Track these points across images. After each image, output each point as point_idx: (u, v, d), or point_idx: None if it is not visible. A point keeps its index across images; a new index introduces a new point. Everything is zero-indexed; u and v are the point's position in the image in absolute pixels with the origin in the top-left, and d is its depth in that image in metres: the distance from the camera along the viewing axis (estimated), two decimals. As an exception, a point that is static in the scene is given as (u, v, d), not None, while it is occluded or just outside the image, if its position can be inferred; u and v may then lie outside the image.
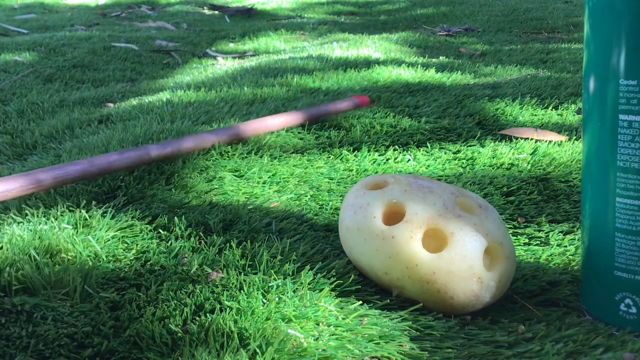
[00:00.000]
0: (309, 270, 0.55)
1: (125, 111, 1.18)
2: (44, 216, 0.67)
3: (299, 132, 1.00)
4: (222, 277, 0.54)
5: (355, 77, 1.37)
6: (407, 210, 0.51)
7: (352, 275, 0.54)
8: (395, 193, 0.53)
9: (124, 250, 0.61)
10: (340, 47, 1.89)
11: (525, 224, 0.70)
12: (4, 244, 0.60)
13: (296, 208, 0.72)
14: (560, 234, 0.66)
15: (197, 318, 0.48)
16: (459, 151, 0.91)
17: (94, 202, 0.71)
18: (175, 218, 0.66)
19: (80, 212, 0.67)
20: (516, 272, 0.58)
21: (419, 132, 0.98)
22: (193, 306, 0.50)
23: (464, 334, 0.49)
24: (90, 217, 0.66)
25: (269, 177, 0.82)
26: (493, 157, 0.87)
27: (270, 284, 0.52)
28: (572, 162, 0.84)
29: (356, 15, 3.24)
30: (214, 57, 2.10)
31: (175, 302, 0.51)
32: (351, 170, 0.85)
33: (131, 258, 0.60)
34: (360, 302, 0.51)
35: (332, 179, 0.82)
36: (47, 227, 0.64)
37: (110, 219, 0.66)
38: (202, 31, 2.68)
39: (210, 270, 0.56)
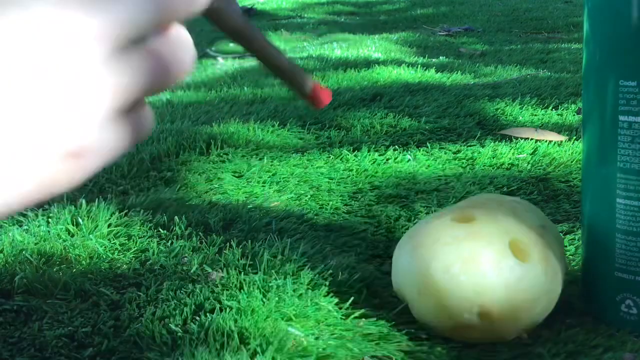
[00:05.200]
0: (309, 270, 0.55)
1: (125, 111, 1.18)
2: (43, 217, 0.67)
3: (299, 132, 1.00)
4: (222, 277, 0.54)
5: (355, 77, 1.37)
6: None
7: (352, 275, 0.54)
8: None
9: (123, 249, 0.61)
10: (340, 47, 1.89)
11: (525, 224, 0.70)
12: (4, 246, 0.60)
13: (296, 208, 0.72)
14: (560, 234, 0.66)
15: (197, 318, 0.48)
16: (459, 151, 0.91)
17: (93, 202, 0.71)
18: (175, 217, 0.66)
19: (79, 211, 0.67)
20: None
21: (419, 132, 0.98)
22: (193, 306, 0.50)
23: (464, 334, 0.49)
24: (89, 216, 0.66)
25: (269, 177, 0.82)
26: (493, 157, 0.87)
27: (270, 284, 0.52)
28: (572, 162, 0.84)
29: (356, 15, 3.24)
30: (214, 57, 2.10)
31: (175, 301, 0.51)
32: (351, 170, 0.85)
33: (131, 257, 0.60)
34: (360, 301, 0.51)
35: (332, 179, 0.82)
36: (47, 228, 0.64)
37: (110, 218, 0.66)
38: (202, 31, 2.68)
39: (210, 270, 0.56)
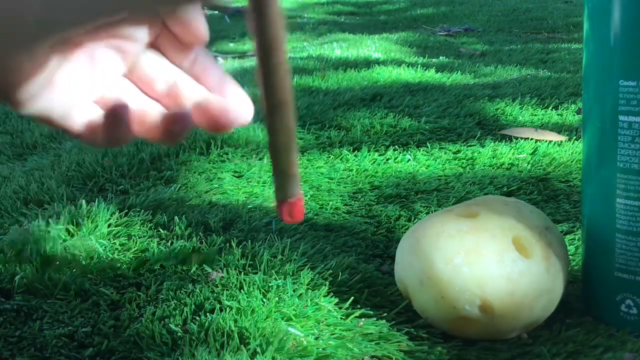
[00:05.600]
0: (309, 270, 0.55)
1: (125, 111, 1.18)
2: (43, 217, 0.67)
3: (299, 132, 1.00)
4: (222, 277, 0.54)
5: (355, 77, 1.37)
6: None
7: (352, 275, 0.54)
8: None
9: (123, 249, 0.61)
10: (340, 47, 1.89)
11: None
12: (4, 246, 0.60)
13: (296, 208, 0.72)
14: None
15: (197, 318, 0.48)
16: (459, 151, 0.91)
17: (93, 202, 0.71)
18: (175, 217, 0.66)
19: (79, 211, 0.67)
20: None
21: (419, 132, 0.98)
22: (193, 306, 0.50)
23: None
24: (89, 216, 0.66)
25: (269, 177, 0.82)
26: (493, 157, 0.87)
27: (270, 284, 0.52)
28: (572, 162, 0.84)
29: (356, 15, 3.24)
30: (215, 57, 2.10)
31: (175, 301, 0.51)
32: (351, 170, 0.85)
33: (131, 257, 0.60)
34: (360, 301, 0.51)
35: (332, 179, 0.82)
36: (47, 228, 0.64)
37: (110, 218, 0.66)
38: (202, 31, 2.67)
39: (210, 270, 0.56)
